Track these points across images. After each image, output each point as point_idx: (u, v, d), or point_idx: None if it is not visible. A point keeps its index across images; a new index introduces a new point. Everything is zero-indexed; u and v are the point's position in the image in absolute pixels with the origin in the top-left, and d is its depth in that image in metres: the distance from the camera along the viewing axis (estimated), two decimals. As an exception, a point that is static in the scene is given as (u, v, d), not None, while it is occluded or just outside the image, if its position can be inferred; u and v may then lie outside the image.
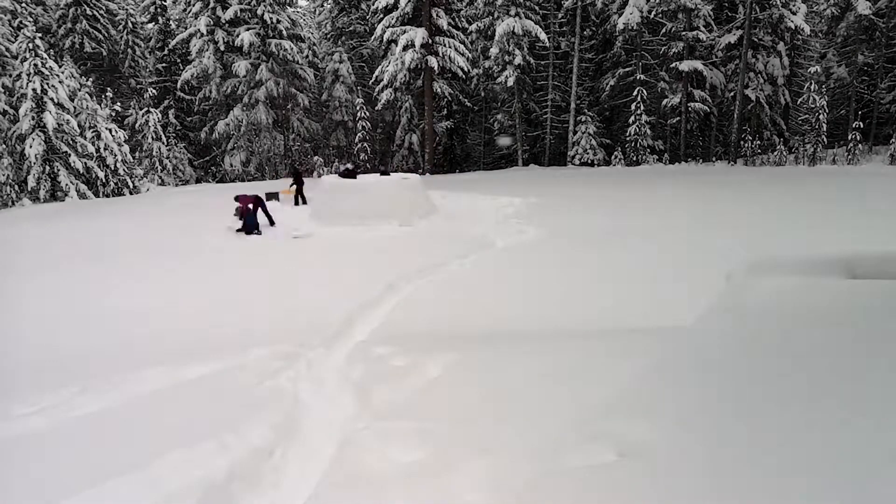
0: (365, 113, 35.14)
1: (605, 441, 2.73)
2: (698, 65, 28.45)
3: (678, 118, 30.33)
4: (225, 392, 4.61)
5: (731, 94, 29.63)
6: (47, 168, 22.69)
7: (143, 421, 4.11)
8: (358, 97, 35.99)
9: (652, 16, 29.03)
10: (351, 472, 3.33)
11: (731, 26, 29.78)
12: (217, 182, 35.21)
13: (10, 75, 24.06)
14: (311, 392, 4.97)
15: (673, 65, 28.95)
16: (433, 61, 30.07)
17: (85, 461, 3.45)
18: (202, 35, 33.23)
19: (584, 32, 32.02)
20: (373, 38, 32.94)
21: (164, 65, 38.78)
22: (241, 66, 32.49)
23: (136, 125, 32.65)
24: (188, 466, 3.32)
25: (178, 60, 38.17)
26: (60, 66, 25.46)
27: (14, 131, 22.99)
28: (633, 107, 29.60)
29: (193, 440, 3.62)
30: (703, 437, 2.42)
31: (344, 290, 8.27)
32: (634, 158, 29.89)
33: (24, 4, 29.97)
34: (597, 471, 2.50)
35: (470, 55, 31.65)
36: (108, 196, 24.56)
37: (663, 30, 29.76)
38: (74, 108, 24.10)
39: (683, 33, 28.61)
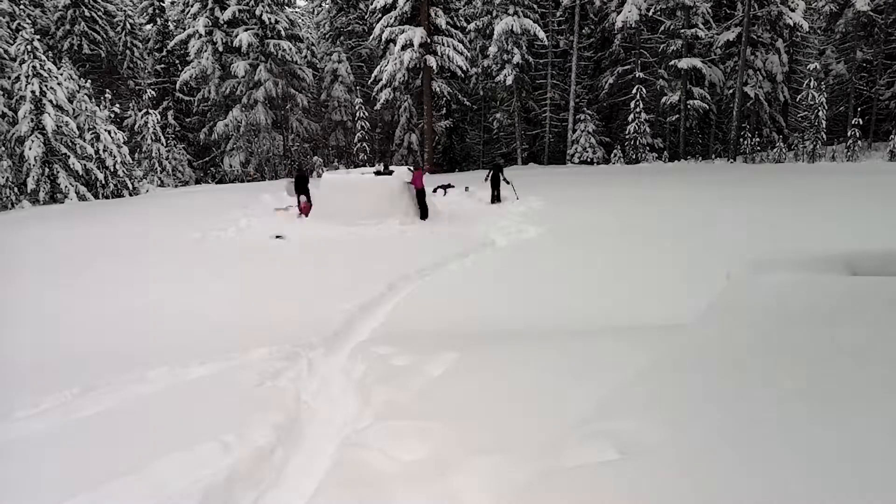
0: (364, 113, 35.15)
1: (605, 440, 2.73)
2: (697, 62, 28.43)
3: (677, 116, 30.32)
4: (226, 392, 4.61)
5: (731, 91, 29.61)
6: (46, 170, 22.68)
7: (144, 422, 4.11)
8: (357, 97, 35.99)
9: (650, 13, 29.01)
10: (353, 472, 3.33)
11: (729, 23, 29.76)
12: (216, 182, 35.19)
13: (9, 77, 24.05)
14: (313, 392, 4.98)
15: (672, 62, 28.93)
16: (432, 60, 30.06)
17: (85, 463, 3.45)
18: (200, 36, 33.22)
19: (583, 31, 32.00)
20: (371, 37, 32.92)
21: (162, 66, 38.79)
22: (239, 66, 32.48)
23: (136, 126, 32.63)
24: (189, 468, 3.32)
25: (177, 61, 38.17)
26: (59, 68, 25.43)
27: (13, 133, 22.98)
28: (632, 105, 29.59)
29: (194, 441, 3.61)
30: (704, 436, 2.41)
31: (344, 289, 8.27)
32: (634, 156, 29.88)
33: (22, 6, 29.94)
34: (598, 470, 2.49)
35: (469, 54, 31.63)
36: (107, 197, 24.55)
37: (662, 27, 29.74)
38: (73, 109, 24.07)
39: (682, 31, 28.59)
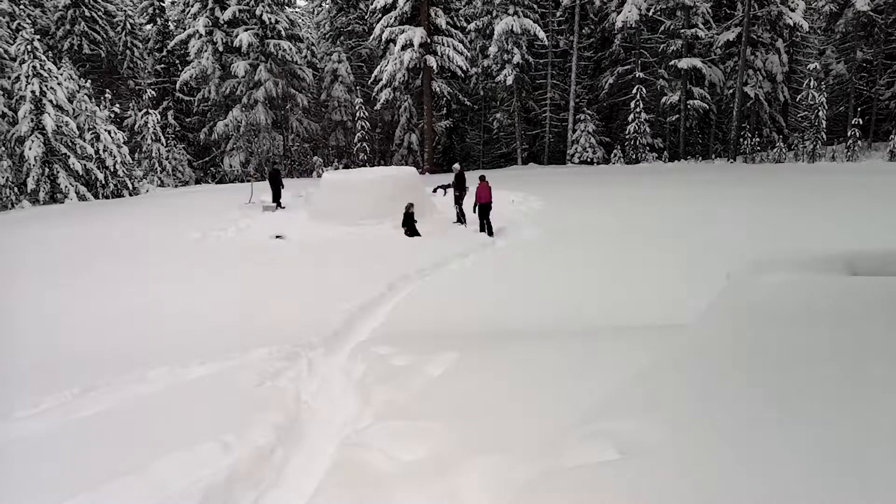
0: (364, 113, 35.14)
1: (605, 440, 2.73)
2: (697, 62, 28.44)
3: (677, 116, 30.32)
4: (226, 392, 4.61)
5: (731, 91, 29.62)
6: (46, 170, 22.67)
7: (144, 422, 4.11)
8: (357, 97, 35.99)
9: (650, 13, 29.02)
10: (353, 472, 3.33)
11: (729, 23, 29.76)
12: (216, 182, 35.18)
13: (9, 77, 24.04)
14: (313, 392, 4.98)
15: (672, 62, 28.94)
16: (432, 60, 30.06)
17: (85, 463, 3.45)
18: (201, 36, 33.21)
19: (583, 31, 32.00)
20: (371, 37, 32.90)
21: (162, 66, 38.79)
22: (239, 66, 32.48)
23: (136, 126, 32.62)
24: (189, 468, 3.32)
25: (177, 61, 38.16)
26: (59, 68, 25.41)
27: (13, 133, 22.97)
28: (632, 105, 29.60)
29: (194, 441, 3.62)
30: (703, 436, 2.41)
31: (344, 290, 8.26)
32: (634, 156, 29.89)
33: (22, 6, 29.92)
34: (598, 470, 2.49)
35: (469, 54, 31.62)
36: (107, 197, 24.54)
37: (662, 27, 29.75)
38: (73, 109, 24.06)
39: (682, 31, 28.60)
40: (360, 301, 7.63)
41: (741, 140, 28.42)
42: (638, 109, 29.39)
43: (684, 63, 28.26)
